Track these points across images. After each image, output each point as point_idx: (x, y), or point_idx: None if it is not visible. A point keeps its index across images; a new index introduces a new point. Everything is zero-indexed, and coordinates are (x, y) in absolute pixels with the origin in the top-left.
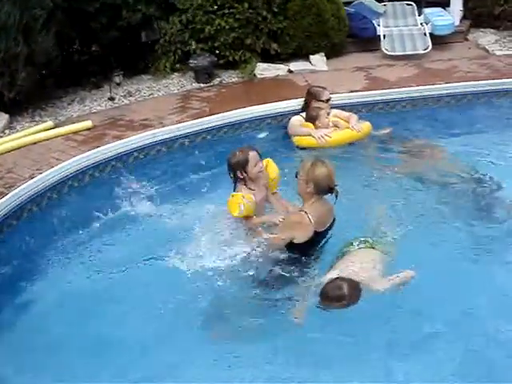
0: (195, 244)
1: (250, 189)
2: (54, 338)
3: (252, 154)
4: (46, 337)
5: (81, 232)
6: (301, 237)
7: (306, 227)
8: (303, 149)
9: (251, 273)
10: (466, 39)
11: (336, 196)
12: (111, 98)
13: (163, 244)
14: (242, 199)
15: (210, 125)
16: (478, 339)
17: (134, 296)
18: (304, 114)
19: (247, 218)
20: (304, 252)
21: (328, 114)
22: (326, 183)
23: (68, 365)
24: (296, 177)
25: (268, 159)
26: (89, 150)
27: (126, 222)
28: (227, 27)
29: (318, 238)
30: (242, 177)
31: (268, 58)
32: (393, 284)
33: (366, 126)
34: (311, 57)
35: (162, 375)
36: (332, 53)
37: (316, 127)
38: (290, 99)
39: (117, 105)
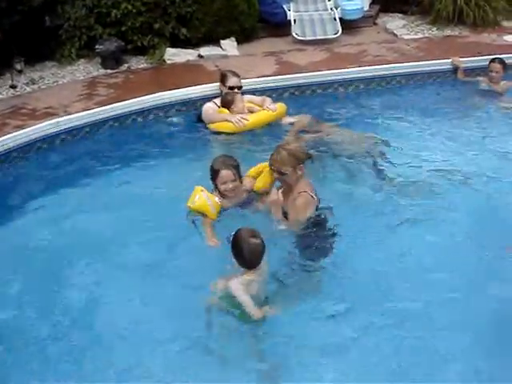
0: None
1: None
2: None
3: (223, 173)
4: None
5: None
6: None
7: (313, 205)
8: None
9: None
10: (375, 24)
11: (313, 160)
12: (13, 86)
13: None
14: (200, 192)
15: (118, 112)
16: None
17: None
18: (217, 100)
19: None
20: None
21: None
22: (306, 157)
23: None
24: (281, 174)
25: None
26: None
27: (25, 216)
28: (134, 11)
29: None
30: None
31: (178, 42)
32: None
33: (280, 106)
34: (222, 42)
35: None
36: (243, 38)
37: (231, 112)
38: (201, 84)
39: (19, 93)
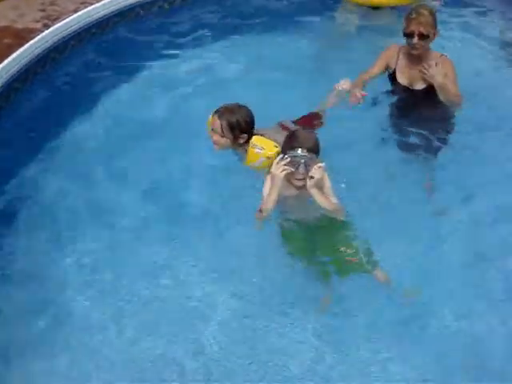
0: None
1: None
2: None
3: (210, 118)
4: None
5: (123, 69)
6: None
7: None
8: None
9: None
10: None
11: None
12: None
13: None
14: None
15: None
16: None
17: None
18: None
19: None
20: None
21: None
22: None
23: None
24: (423, 38)
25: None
26: None
27: (175, 63)
28: None
29: None
30: None
31: None
32: None
33: None
34: None
35: None
36: None
37: None
38: None
39: None
